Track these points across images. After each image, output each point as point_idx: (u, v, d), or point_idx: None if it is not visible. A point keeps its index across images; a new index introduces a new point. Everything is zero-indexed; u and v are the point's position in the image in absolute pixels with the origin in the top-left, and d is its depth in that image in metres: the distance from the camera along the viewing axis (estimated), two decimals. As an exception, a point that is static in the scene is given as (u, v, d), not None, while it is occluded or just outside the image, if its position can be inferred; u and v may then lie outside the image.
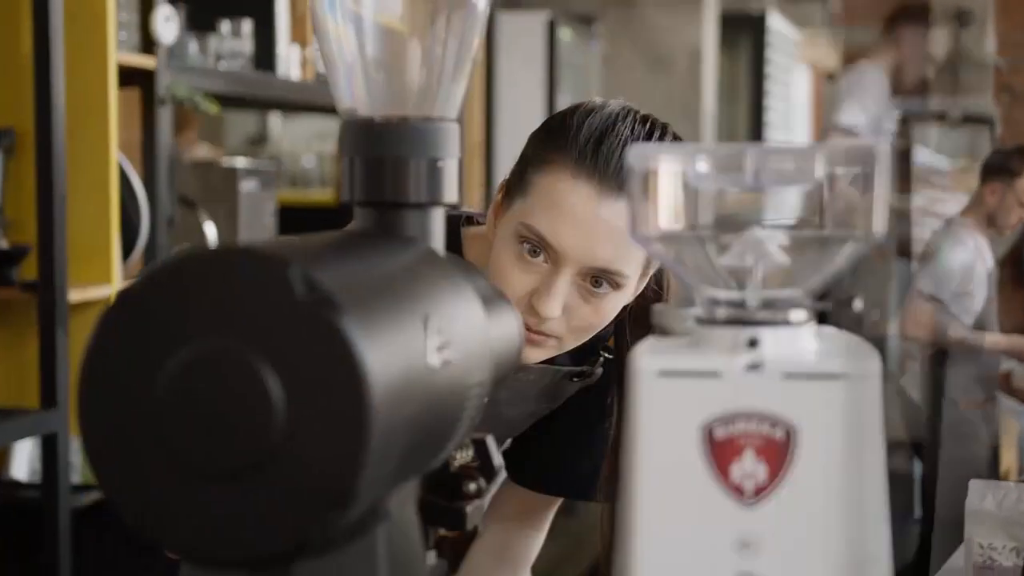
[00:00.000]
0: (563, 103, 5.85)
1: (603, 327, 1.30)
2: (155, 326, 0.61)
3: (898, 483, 3.89)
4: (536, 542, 1.57)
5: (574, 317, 1.26)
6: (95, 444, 0.61)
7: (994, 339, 4.52)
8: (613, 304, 1.27)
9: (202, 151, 4.22)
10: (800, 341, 0.68)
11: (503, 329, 0.82)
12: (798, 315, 0.68)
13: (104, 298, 2.50)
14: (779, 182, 0.68)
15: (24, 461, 2.65)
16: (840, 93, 4.32)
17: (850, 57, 9.64)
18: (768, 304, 0.69)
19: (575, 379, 1.41)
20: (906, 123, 4.40)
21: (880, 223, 0.67)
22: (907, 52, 4.34)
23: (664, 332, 0.75)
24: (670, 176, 0.69)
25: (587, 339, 1.30)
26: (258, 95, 3.22)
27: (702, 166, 0.69)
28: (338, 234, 0.74)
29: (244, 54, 3.02)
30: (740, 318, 0.68)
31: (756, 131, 7.55)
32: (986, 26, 9.46)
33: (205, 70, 2.90)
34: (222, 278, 0.60)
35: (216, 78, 2.94)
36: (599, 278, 1.24)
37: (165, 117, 2.68)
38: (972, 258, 4.25)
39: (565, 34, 5.05)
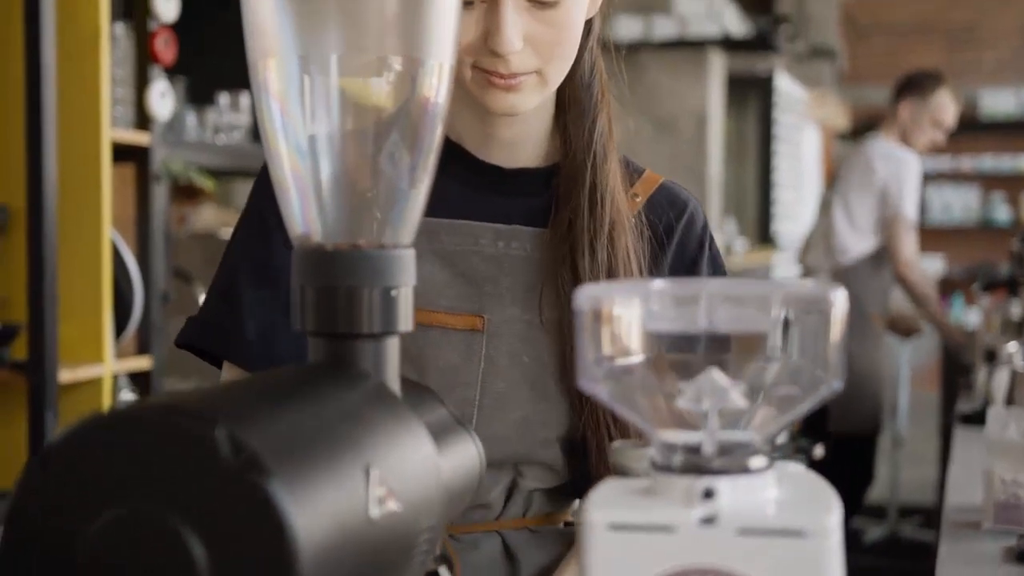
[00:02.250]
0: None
1: (576, 43, 1.21)
2: (77, 487, 0.58)
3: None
4: None
5: (538, 43, 1.17)
6: (14, 611, 0.59)
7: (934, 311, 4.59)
8: (572, 12, 1.18)
9: (208, 213, 4.22)
10: (758, 491, 0.65)
11: (458, 461, 0.79)
12: (757, 462, 0.66)
13: (95, 378, 2.48)
14: (733, 325, 0.66)
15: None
16: (888, 180, 4.33)
17: (858, 116, 9.69)
18: (725, 450, 0.66)
19: None
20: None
21: (838, 371, 0.64)
22: (911, 124, 4.38)
23: (621, 472, 0.72)
24: (620, 317, 0.66)
25: (569, 62, 1.21)
26: (256, 168, 3.21)
27: (653, 307, 0.66)
28: (282, 374, 0.72)
29: (242, 126, 3.02)
30: (696, 465, 0.65)
31: (764, 191, 7.54)
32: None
33: (202, 144, 2.90)
34: (146, 438, 0.58)
35: (213, 152, 2.94)
36: None
37: (160, 193, 2.67)
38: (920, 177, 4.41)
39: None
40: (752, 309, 0.66)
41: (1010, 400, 2.56)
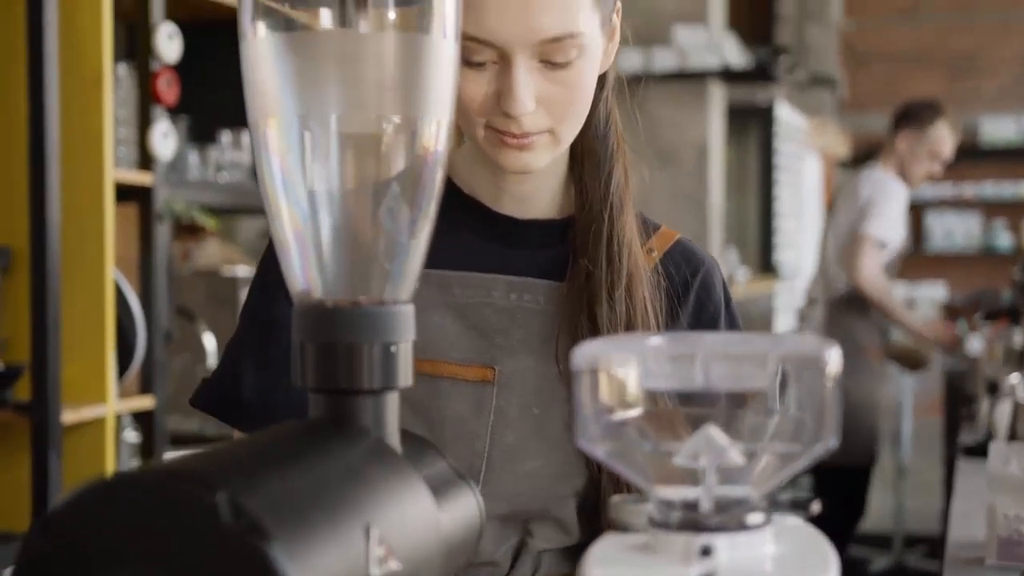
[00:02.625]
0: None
1: (588, 101, 1.20)
2: (79, 551, 0.59)
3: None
4: None
5: (551, 103, 1.16)
6: None
7: (922, 323, 4.60)
8: (584, 72, 1.17)
9: (212, 248, 4.23)
10: (756, 547, 0.65)
11: (458, 514, 0.80)
12: (754, 518, 0.66)
13: (98, 418, 2.49)
14: (730, 383, 0.66)
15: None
16: (866, 201, 4.35)
17: (859, 143, 9.73)
18: (723, 506, 0.66)
19: None
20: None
21: (833, 428, 0.65)
22: (909, 156, 4.39)
23: (620, 527, 0.72)
24: (617, 375, 0.67)
25: (582, 119, 1.20)
26: (258, 205, 3.24)
27: (650, 365, 0.67)
28: (283, 432, 0.72)
29: (244, 164, 3.03)
30: (693, 522, 0.66)
31: (766, 220, 7.56)
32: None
33: (204, 183, 2.92)
34: (148, 502, 0.58)
35: (216, 190, 2.96)
36: (555, 51, 1.14)
37: (163, 232, 2.68)
38: (905, 206, 4.39)
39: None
40: (748, 366, 0.67)
41: (1013, 432, 2.56)
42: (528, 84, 1.14)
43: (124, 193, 2.61)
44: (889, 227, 4.31)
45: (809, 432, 0.66)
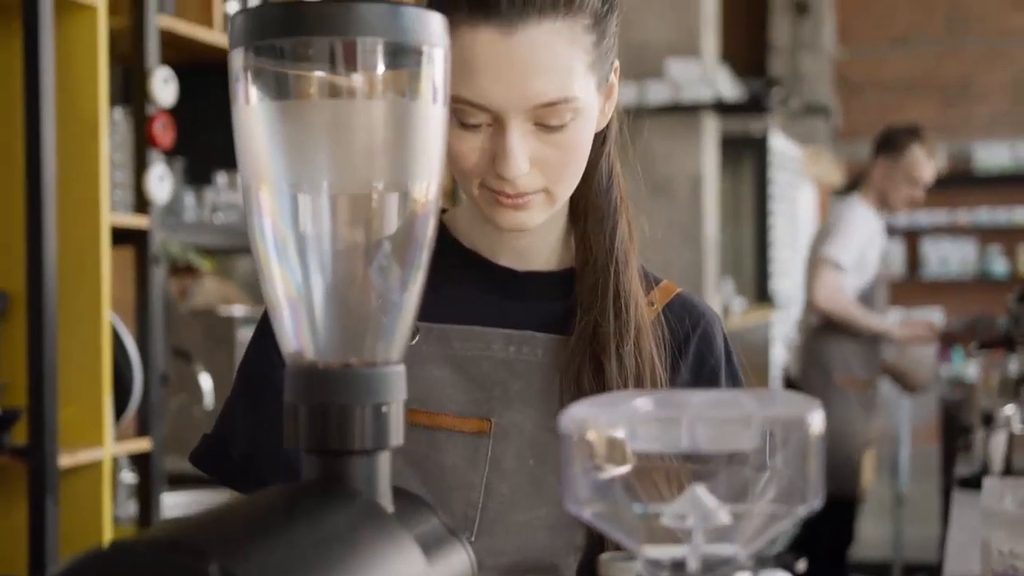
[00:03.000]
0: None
1: (583, 161, 1.19)
2: (75, 622, 0.60)
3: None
4: None
5: (545, 164, 1.16)
6: None
7: (892, 324, 4.56)
8: (580, 133, 1.17)
9: (210, 286, 4.23)
10: (743, 606, 0.66)
11: (449, 571, 0.81)
12: (741, 577, 0.67)
13: (95, 461, 2.49)
14: (715, 446, 0.67)
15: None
16: (828, 225, 4.40)
17: (853, 171, 9.77)
18: (710, 565, 0.67)
19: None
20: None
21: (818, 489, 0.66)
22: (886, 183, 4.41)
23: (610, 585, 0.73)
24: (605, 438, 0.68)
25: (577, 178, 1.20)
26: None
27: (638, 429, 0.68)
28: (275, 495, 0.73)
29: (240, 205, 3.05)
30: (681, 583, 0.67)
31: (761, 249, 7.57)
32: (824, 16, 9.60)
33: (200, 224, 2.93)
34: (141, 573, 0.59)
35: (212, 231, 2.97)
36: (549, 114, 1.13)
37: (159, 275, 2.69)
38: (872, 232, 4.39)
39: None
40: (734, 428, 0.68)
41: (1008, 465, 2.57)
42: (522, 147, 1.14)
43: (120, 236, 2.63)
44: (846, 250, 4.31)
45: (795, 492, 0.67)
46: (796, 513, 0.67)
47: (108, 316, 2.52)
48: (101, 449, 2.49)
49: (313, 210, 0.78)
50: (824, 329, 4.39)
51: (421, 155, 0.80)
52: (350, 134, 0.78)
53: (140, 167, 2.67)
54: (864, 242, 4.39)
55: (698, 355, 1.31)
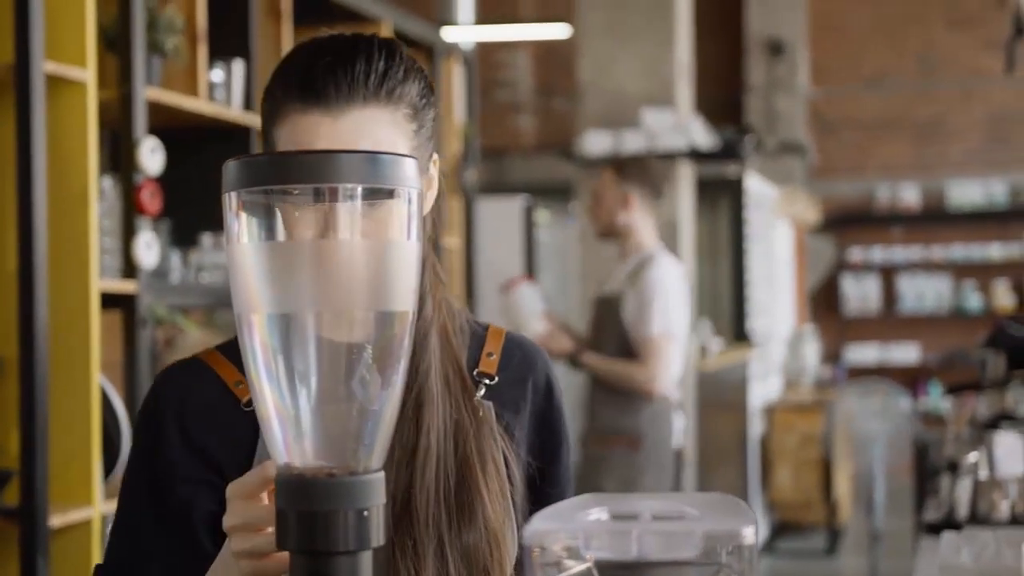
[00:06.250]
0: (543, 280, 5.98)
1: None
2: None
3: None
4: None
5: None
6: None
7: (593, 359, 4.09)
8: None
9: (195, 336, 4.29)
10: None
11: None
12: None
13: (85, 520, 2.56)
14: (662, 554, 0.76)
15: None
16: None
17: (829, 209, 9.89)
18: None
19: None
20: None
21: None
22: None
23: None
24: (560, 549, 0.77)
25: None
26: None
27: (592, 541, 0.76)
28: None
29: (224, 266, 3.13)
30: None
31: (738, 289, 7.67)
32: (798, 56, 9.73)
33: (185, 286, 3.01)
34: None
35: (198, 292, 3.05)
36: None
37: (146, 338, 2.77)
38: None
39: (542, 215, 5.19)
40: (678, 540, 0.76)
41: (973, 511, 2.64)
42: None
43: (109, 300, 2.70)
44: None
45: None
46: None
47: (98, 379, 2.59)
48: (91, 508, 2.56)
49: (299, 339, 0.87)
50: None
51: (398, 284, 0.89)
52: (333, 268, 0.87)
53: (128, 233, 2.75)
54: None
55: (535, 392, 1.36)
